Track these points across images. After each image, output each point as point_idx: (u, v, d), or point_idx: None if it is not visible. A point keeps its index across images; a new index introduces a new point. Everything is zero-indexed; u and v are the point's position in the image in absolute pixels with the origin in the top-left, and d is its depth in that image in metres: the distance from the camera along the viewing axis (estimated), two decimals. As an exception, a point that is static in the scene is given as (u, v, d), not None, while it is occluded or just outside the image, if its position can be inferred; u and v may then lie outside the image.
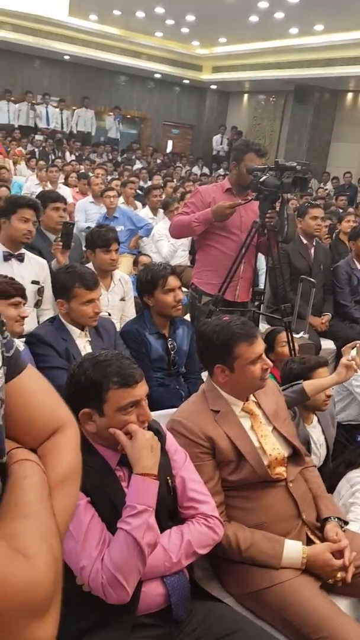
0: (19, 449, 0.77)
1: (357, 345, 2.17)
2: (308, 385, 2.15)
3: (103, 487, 1.38)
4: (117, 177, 8.52)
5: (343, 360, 2.13)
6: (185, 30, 11.85)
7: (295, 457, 1.84)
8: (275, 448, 1.75)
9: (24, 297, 2.33)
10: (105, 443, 1.42)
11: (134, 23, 11.79)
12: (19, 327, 2.28)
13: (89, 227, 4.62)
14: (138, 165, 11.70)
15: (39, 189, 6.00)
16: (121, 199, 6.05)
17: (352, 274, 4.17)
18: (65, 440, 0.83)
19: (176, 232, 3.22)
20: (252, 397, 1.83)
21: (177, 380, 2.56)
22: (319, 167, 12.24)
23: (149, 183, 7.97)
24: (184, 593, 1.44)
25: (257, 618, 1.58)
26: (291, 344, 2.84)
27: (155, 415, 1.58)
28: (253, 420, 1.79)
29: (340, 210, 7.12)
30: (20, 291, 2.30)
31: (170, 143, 16.15)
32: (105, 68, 13.83)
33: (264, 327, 3.54)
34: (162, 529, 1.42)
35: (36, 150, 10.70)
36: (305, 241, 4.03)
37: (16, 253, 2.92)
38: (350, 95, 12.49)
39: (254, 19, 9.96)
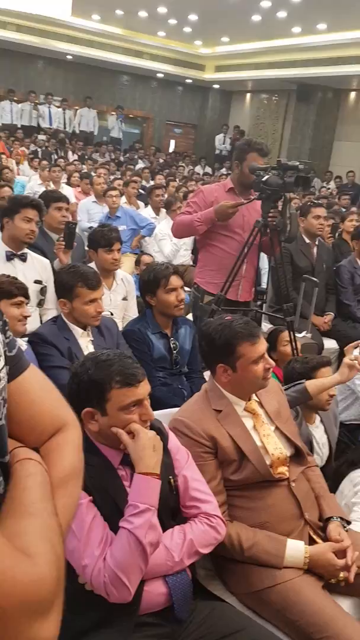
0: (21, 448, 0.77)
1: (360, 344, 2.17)
2: (310, 384, 2.15)
3: (105, 486, 1.38)
4: (119, 176, 8.52)
5: (346, 359, 2.13)
6: (187, 29, 11.85)
7: (298, 456, 1.84)
8: (277, 448, 1.75)
9: (26, 296, 2.33)
10: (107, 442, 1.42)
11: (137, 23, 11.79)
12: (21, 326, 2.29)
13: (91, 227, 4.62)
14: (140, 164, 11.71)
15: (42, 189, 6.00)
16: (123, 199, 6.04)
17: (355, 273, 4.16)
18: (67, 439, 0.83)
19: (178, 232, 3.22)
20: (254, 397, 1.83)
21: (180, 380, 2.56)
22: (322, 166, 12.23)
23: (152, 182, 7.97)
24: (186, 592, 1.44)
25: (259, 617, 1.58)
26: (294, 344, 2.84)
27: (157, 414, 1.58)
28: (255, 420, 1.78)
29: (343, 210, 7.11)
30: (22, 291, 2.30)
31: (172, 142, 16.16)
32: (108, 68, 13.85)
33: (266, 326, 3.54)
34: (165, 528, 1.42)
35: (39, 150, 10.71)
36: (307, 240, 4.02)
37: (19, 253, 2.93)
38: (353, 94, 12.47)
39: (256, 18, 9.95)
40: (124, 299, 3.21)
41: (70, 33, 12.50)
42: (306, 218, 3.98)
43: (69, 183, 7.49)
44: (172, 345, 2.53)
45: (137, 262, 4.67)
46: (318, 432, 2.40)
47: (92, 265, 3.02)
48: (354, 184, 10.89)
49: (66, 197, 3.75)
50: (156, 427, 1.49)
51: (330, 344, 3.92)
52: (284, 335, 2.92)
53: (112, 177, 7.93)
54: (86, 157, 11.12)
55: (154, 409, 1.50)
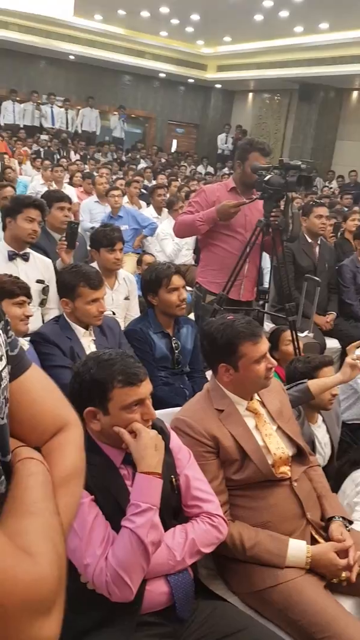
0: (23, 447, 0.78)
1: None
2: (313, 384, 2.14)
3: (107, 486, 1.38)
4: (121, 176, 8.52)
5: (348, 359, 2.13)
6: (189, 29, 11.85)
7: (300, 456, 1.84)
8: (279, 447, 1.75)
9: (28, 296, 2.33)
10: (109, 442, 1.43)
11: (139, 23, 11.79)
12: (23, 326, 2.29)
13: (93, 227, 4.63)
14: (143, 164, 11.71)
15: (44, 189, 6.01)
16: (126, 199, 6.05)
17: (357, 273, 4.15)
18: (69, 439, 0.83)
19: (180, 231, 3.22)
20: (256, 396, 1.83)
21: (181, 379, 2.56)
22: (324, 165, 12.21)
23: (154, 182, 7.97)
24: (188, 592, 1.44)
25: (261, 617, 1.58)
26: (296, 343, 2.83)
27: (159, 414, 1.58)
28: (257, 420, 1.78)
29: (346, 209, 7.09)
30: (25, 290, 2.31)
31: (174, 142, 16.15)
32: (110, 68, 13.85)
33: (268, 326, 3.54)
34: (167, 527, 1.42)
35: (41, 150, 10.72)
36: (310, 240, 4.02)
37: (21, 252, 2.93)
38: (355, 94, 12.45)
39: (258, 17, 9.95)
40: (126, 298, 3.22)
41: (73, 33, 12.50)
42: (308, 217, 3.97)
43: (71, 183, 7.50)
44: (174, 345, 2.53)
45: (139, 262, 4.67)
46: (320, 431, 2.39)
47: (95, 264, 3.02)
48: (356, 183, 10.88)
49: (68, 197, 3.75)
50: (158, 427, 1.49)
51: (332, 343, 3.92)
52: (286, 335, 2.91)
53: (114, 177, 7.94)
54: (88, 157, 11.13)
55: (156, 409, 1.50)
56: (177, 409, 1.90)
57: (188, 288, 2.79)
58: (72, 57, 13.18)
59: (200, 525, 1.48)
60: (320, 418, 2.42)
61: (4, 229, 2.99)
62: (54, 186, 6.73)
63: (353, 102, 12.54)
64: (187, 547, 1.43)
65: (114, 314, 3.00)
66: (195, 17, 10.72)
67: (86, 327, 2.38)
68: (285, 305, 2.90)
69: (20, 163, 9.26)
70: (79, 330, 2.36)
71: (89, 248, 3.36)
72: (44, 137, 11.68)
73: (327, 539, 1.69)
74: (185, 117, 15.92)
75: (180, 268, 2.66)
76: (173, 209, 5.32)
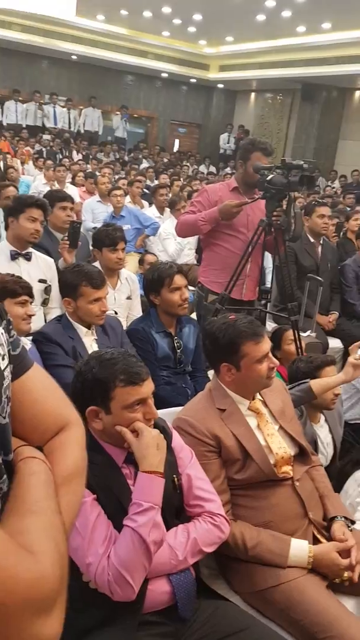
0: (25, 446, 0.78)
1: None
2: (315, 384, 2.14)
3: (109, 485, 1.38)
4: (124, 176, 8.54)
5: (350, 359, 2.13)
6: (192, 29, 11.85)
7: (302, 456, 1.83)
8: (281, 447, 1.75)
9: (31, 295, 2.34)
10: (111, 441, 1.43)
11: (141, 23, 11.80)
12: (25, 325, 2.29)
13: (95, 227, 4.63)
14: (145, 164, 11.71)
15: (47, 189, 6.02)
16: (128, 198, 6.05)
17: (359, 272, 4.15)
18: (71, 438, 0.84)
19: (183, 231, 3.22)
20: (258, 396, 1.83)
21: (184, 379, 2.56)
22: (327, 165, 12.21)
23: (156, 182, 7.96)
24: (190, 591, 1.44)
25: (263, 617, 1.58)
26: (298, 343, 2.83)
27: (161, 413, 1.58)
28: (259, 419, 1.78)
29: (348, 209, 7.08)
30: (27, 289, 2.31)
31: (177, 142, 16.15)
32: (113, 67, 13.86)
33: (270, 325, 3.53)
34: (169, 526, 1.42)
35: (44, 149, 10.74)
36: (312, 239, 4.01)
37: (23, 252, 2.94)
38: (357, 93, 12.43)
39: (261, 17, 9.94)
40: (128, 298, 3.22)
41: (75, 33, 12.51)
42: (311, 217, 3.97)
43: (73, 183, 7.50)
44: (176, 344, 2.53)
45: (141, 262, 4.67)
46: (322, 431, 2.39)
47: (97, 264, 3.02)
48: (358, 183, 10.86)
49: (71, 196, 3.75)
50: (160, 426, 1.49)
51: (334, 343, 3.91)
52: (288, 334, 2.91)
53: (116, 177, 7.95)
54: (91, 156, 11.14)
55: (158, 408, 1.50)
56: (179, 408, 1.90)
57: (190, 287, 2.79)
58: (74, 57, 13.19)
59: (202, 525, 1.48)
60: (322, 418, 2.42)
61: (6, 228, 3.00)
62: (57, 186, 6.74)
63: (355, 102, 12.53)
64: (189, 547, 1.43)
65: (116, 313, 3.00)
66: (197, 17, 10.72)
67: (88, 327, 2.38)
68: (288, 305, 2.89)
69: (22, 163, 9.27)
70: (81, 330, 2.36)
71: (91, 248, 3.36)
72: (46, 137, 11.70)
73: (330, 538, 1.69)
74: (188, 117, 15.92)
75: (183, 267, 2.65)
76: (175, 208, 5.33)
